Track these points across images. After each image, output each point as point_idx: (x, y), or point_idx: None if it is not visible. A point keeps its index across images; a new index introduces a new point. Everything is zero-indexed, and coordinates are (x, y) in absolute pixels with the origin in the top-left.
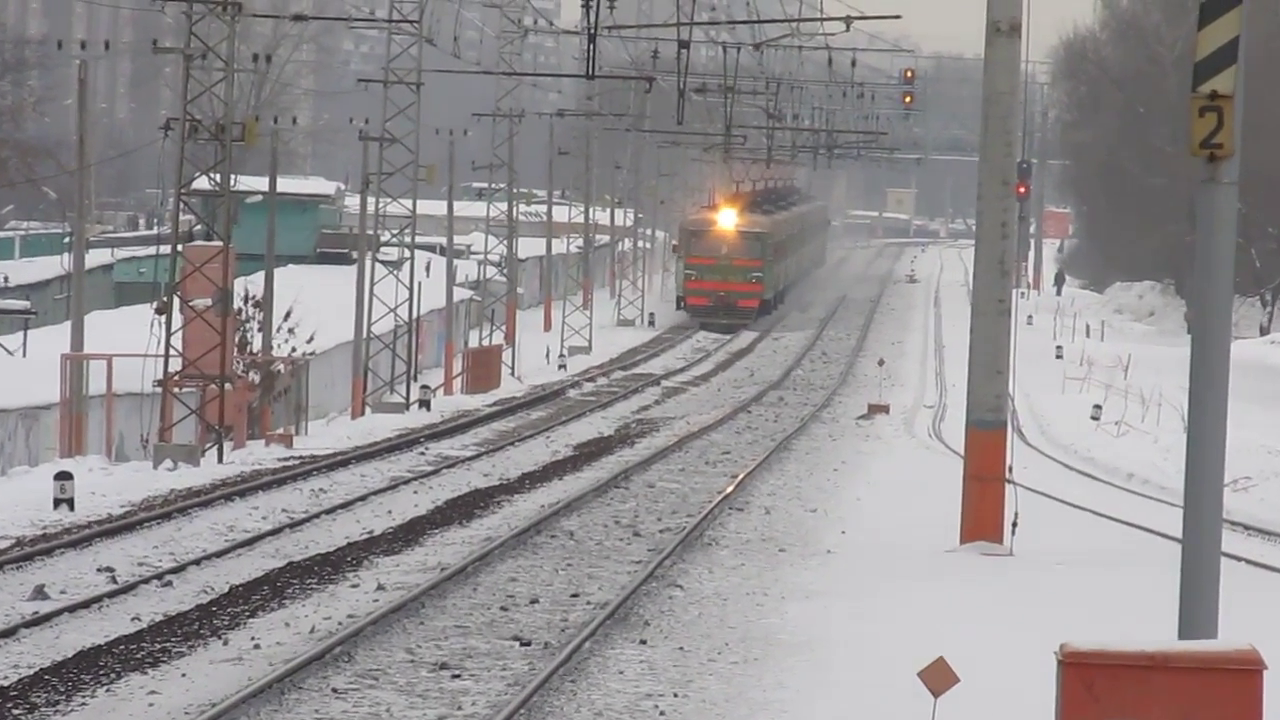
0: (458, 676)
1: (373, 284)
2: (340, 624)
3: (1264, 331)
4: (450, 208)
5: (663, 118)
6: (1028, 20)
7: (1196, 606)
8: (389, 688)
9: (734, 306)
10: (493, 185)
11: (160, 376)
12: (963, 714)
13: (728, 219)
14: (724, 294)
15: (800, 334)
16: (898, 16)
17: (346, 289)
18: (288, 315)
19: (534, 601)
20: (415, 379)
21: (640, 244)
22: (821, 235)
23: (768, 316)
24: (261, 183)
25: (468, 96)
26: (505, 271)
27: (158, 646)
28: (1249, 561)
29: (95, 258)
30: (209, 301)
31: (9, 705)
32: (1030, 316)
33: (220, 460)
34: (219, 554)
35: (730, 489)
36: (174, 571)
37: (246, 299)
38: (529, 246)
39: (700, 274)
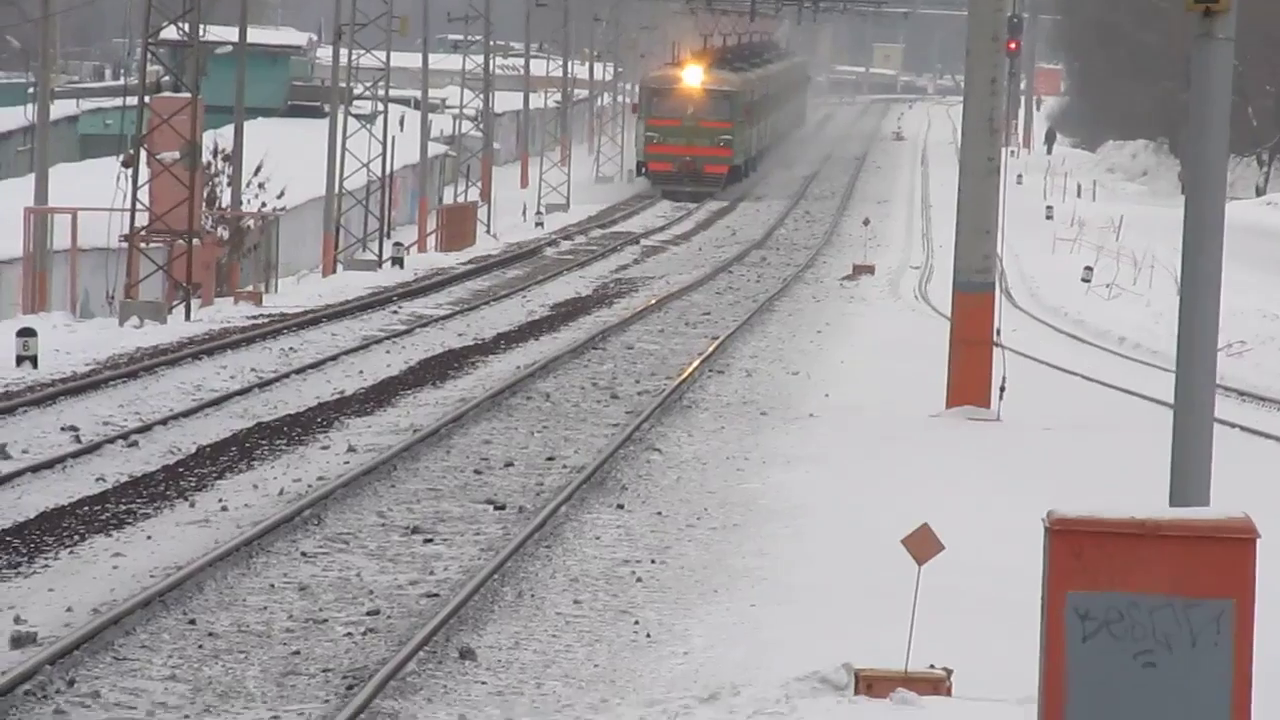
0: (430, 541)
1: (345, 138)
2: (310, 486)
3: (1260, 192)
4: (425, 60)
5: None
6: None
7: (1188, 473)
8: (359, 552)
9: (700, 173)
10: (469, 37)
11: (126, 231)
12: (947, 582)
13: (693, 76)
14: (689, 159)
15: (775, 203)
16: None
17: (318, 143)
18: (257, 170)
19: (508, 465)
20: (388, 236)
21: (620, 99)
22: (800, 95)
23: (738, 184)
24: (231, 33)
25: None
26: (481, 126)
27: (122, 508)
28: (1242, 428)
29: (60, 109)
30: (176, 155)
31: None
32: (1020, 176)
33: (187, 318)
34: (186, 414)
35: (710, 350)
36: (139, 431)
37: (215, 153)
38: (506, 101)
39: (662, 137)
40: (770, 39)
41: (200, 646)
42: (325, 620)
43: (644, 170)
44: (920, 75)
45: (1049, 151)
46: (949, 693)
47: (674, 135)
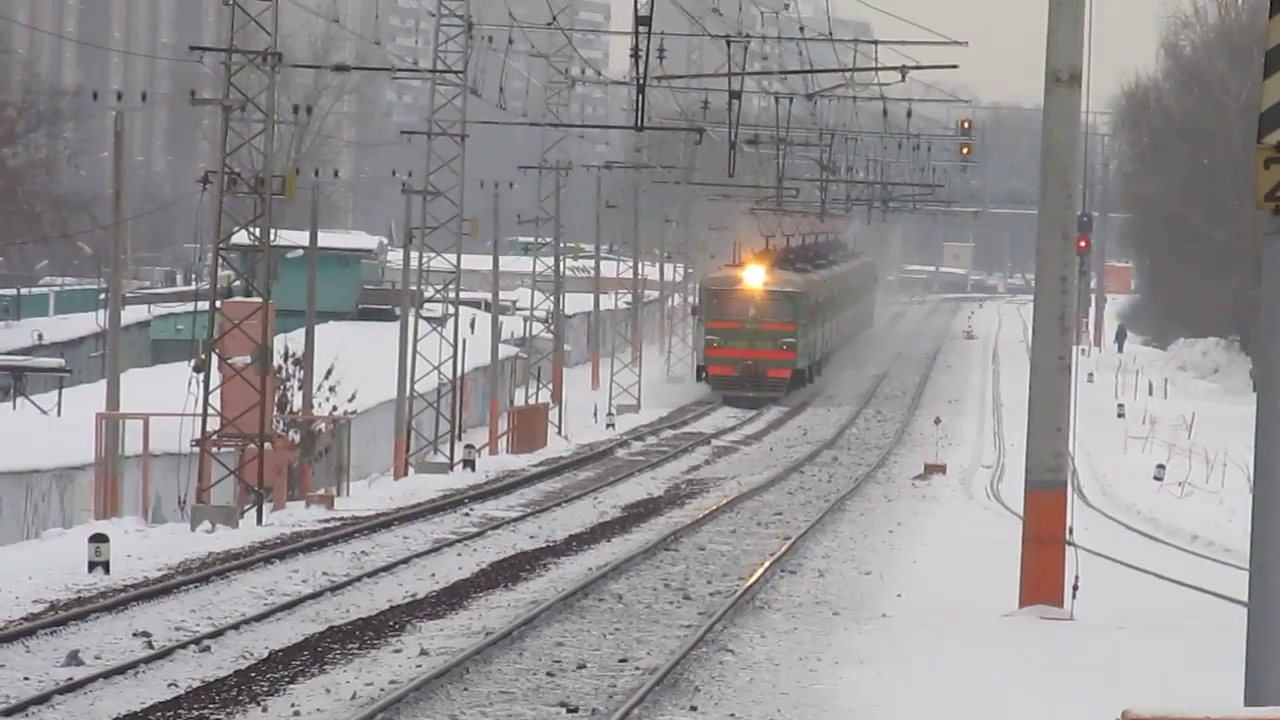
0: None
1: (416, 341)
2: (382, 690)
3: None
4: (495, 262)
5: (713, 169)
6: (1088, 69)
7: (1263, 671)
8: None
9: (762, 377)
10: (539, 239)
11: (198, 436)
12: None
13: (755, 277)
14: (751, 363)
15: (846, 402)
16: (954, 66)
17: (389, 346)
18: (329, 373)
19: (581, 667)
20: (459, 438)
21: (690, 299)
22: (868, 295)
23: (802, 388)
24: (302, 237)
25: (513, 148)
26: (552, 328)
27: (195, 714)
28: None
29: (131, 314)
30: (248, 359)
31: None
32: (1091, 374)
33: (259, 522)
34: (258, 618)
35: (783, 550)
36: (212, 636)
37: (286, 356)
38: (576, 302)
39: (723, 340)
40: (837, 239)
41: None
42: None
43: (704, 374)
44: (990, 273)
45: (1120, 349)
46: None
47: (735, 338)
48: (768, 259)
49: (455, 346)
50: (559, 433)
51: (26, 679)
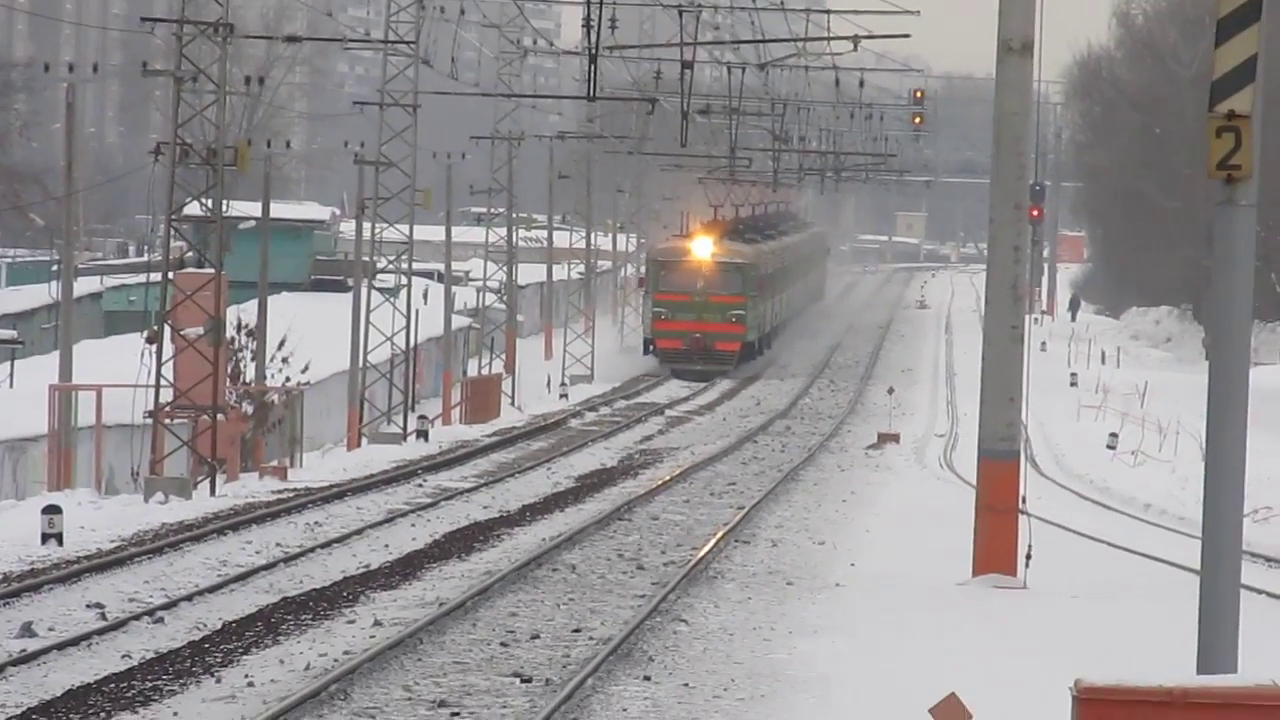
0: (457, 715)
1: (369, 312)
2: (336, 661)
3: None
4: (448, 233)
5: (666, 140)
6: (1040, 39)
7: (1216, 640)
8: None
9: (710, 350)
10: (492, 210)
11: (151, 407)
12: None
13: (703, 248)
14: (699, 335)
15: (799, 372)
16: (906, 35)
17: (342, 317)
18: (281, 344)
19: (535, 637)
20: (413, 409)
21: (642, 269)
22: (819, 267)
23: (751, 362)
24: (254, 208)
25: (466, 119)
26: (505, 298)
27: (149, 685)
28: (1269, 594)
29: (84, 286)
30: (201, 330)
31: None
32: (1044, 343)
33: (213, 493)
34: (211, 589)
35: (736, 520)
36: (165, 608)
37: (239, 327)
38: (529, 272)
39: (671, 312)
40: (788, 209)
41: None
42: None
43: (652, 348)
44: (943, 243)
45: (1073, 318)
46: None
47: (683, 310)
48: (716, 230)
49: (408, 317)
50: (512, 403)
51: None
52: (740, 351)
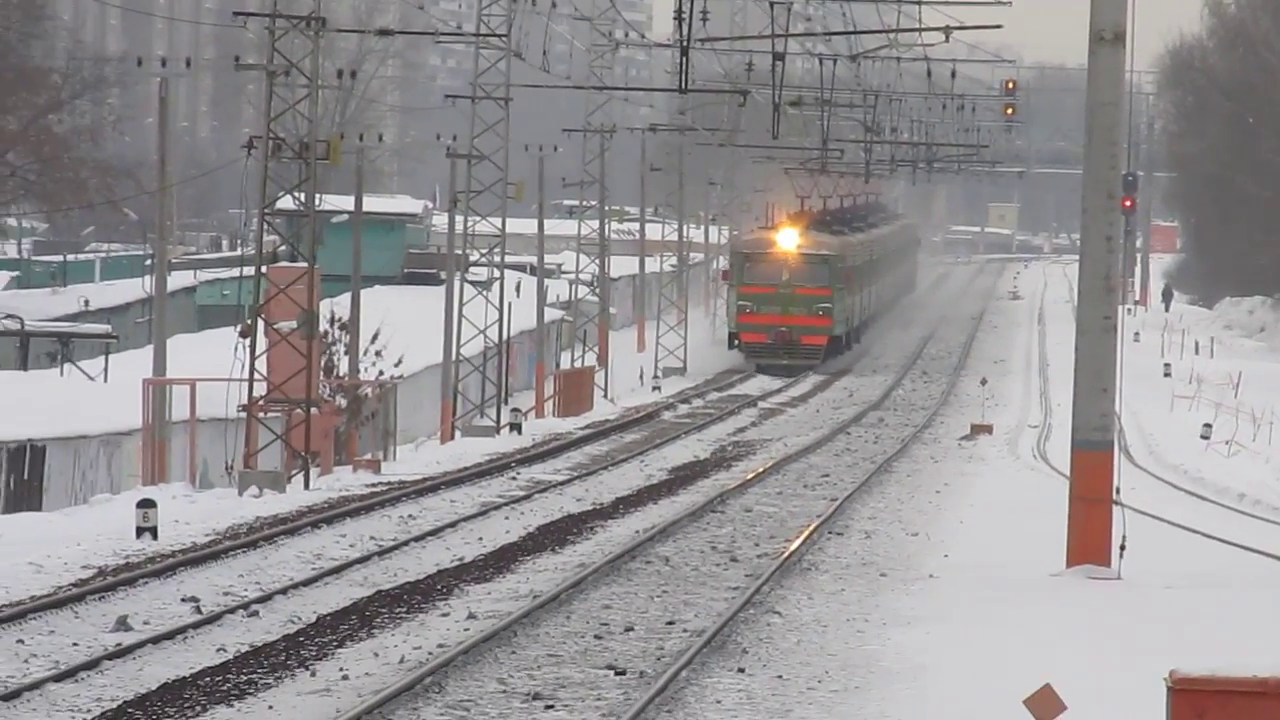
0: (551, 707)
1: (461, 305)
2: (430, 654)
3: None
4: (540, 226)
5: (757, 132)
6: (1132, 28)
7: None
8: (480, 718)
9: (796, 344)
10: (584, 202)
11: (244, 401)
12: None
13: (789, 240)
14: (784, 329)
15: (892, 364)
16: (998, 26)
17: (434, 310)
18: (374, 337)
19: (629, 629)
20: (506, 402)
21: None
22: (910, 259)
23: (839, 356)
24: (347, 202)
25: (557, 112)
26: (597, 291)
27: (243, 678)
28: None
29: (177, 280)
30: (294, 324)
31: None
32: (1137, 333)
33: (306, 487)
34: (306, 583)
35: (829, 512)
36: (260, 601)
37: (332, 321)
38: (621, 265)
39: (755, 306)
40: (877, 200)
41: None
42: None
43: (736, 342)
44: (1036, 234)
45: (1166, 309)
46: None
47: (768, 303)
48: (802, 221)
49: (500, 310)
50: (605, 396)
51: (75, 645)
52: (827, 346)
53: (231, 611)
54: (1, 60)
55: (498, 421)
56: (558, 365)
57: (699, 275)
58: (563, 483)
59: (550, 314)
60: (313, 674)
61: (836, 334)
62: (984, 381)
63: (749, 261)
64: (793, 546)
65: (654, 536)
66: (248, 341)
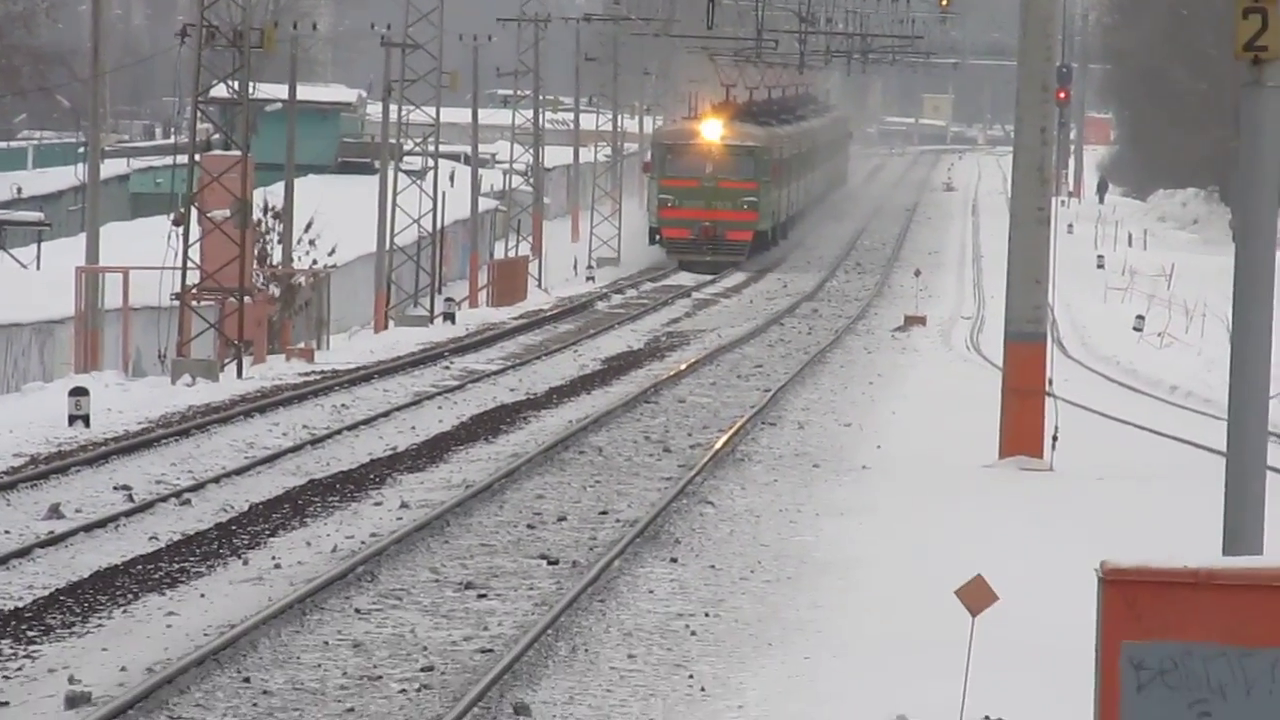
0: (484, 596)
1: (395, 194)
2: (363, 543)
3: None
4: (475, 115)
5: (692, 22)
6: None
7: (1242, 522)
8: (413, 608)
9: (721, 239)
10: (518, 92)
11: (178, 290)
12: (1002, 633)
13: (713, 130)
14: (708, 224)
15: (826, 255)
16: None
17: (368, 200)
18: (308, 227)
19: (562, 519)
20: (439, 292)
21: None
22: (841, 153)
23: (765, 253)
24: (281, 91)
25: (492, 1)
26: (531, 181)
27: (176, 566)
28: None
29: (110, 168)
30: (227, 213)
31: (24, 626)
32: (1070, 225)
33: (240, 376)
34: (238, 471)
35: (763, 403)
36: (192, 490)
37: (266, 210)
38: (555, 155)
39: (678, 199)
40: (807, 92)
41: (255, 705)
42: (380, 677)
43: (658, 237)
44: (970, 126)
45: (1101, 200)
46: None
47: (691, 197)
48: (727, 111)
49: (435, 200)
50: (539, 286)
51: (7, 532)
52: (752, 242)
53: (164, 500)
54: None
55: (431, 311)
56: (492, 255)
57: (633, 166)
58: (496, 372)
59: (484, 204)
60: (245, 563)
61: (762, 229)
62: (918, 273)
63: (671, 153)
64: (726, 437)
65: (587, 426)
66: (181, 230)
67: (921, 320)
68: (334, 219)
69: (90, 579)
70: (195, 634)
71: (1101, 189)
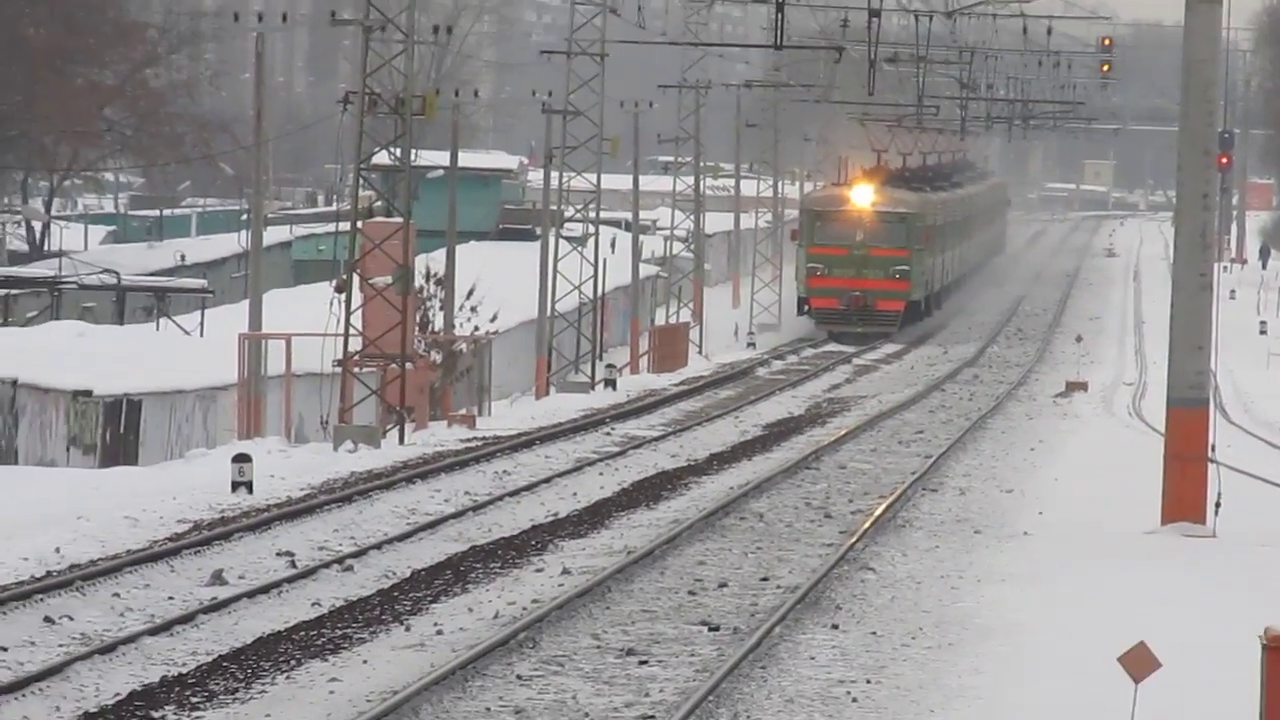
0: (645, 663)
1: (556, 260)
2: (525, 609)
3: None
4: (635, 182)
5: (853, 88)
6: None
7: None
8: (575, 674)
9: (871, 309)
10: (679, 159)
11: (340, 356)
12: (1164, 700)
13: (864, 196)
14: (859, 294)
15: (987, 320)
16: None
17: (529, 266)
18: (470, 293)
19: (723, 585)
20: (600, 358)
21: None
22: (999, 220)
23: (918, 323)
24: (442, 157)
25: (653, 68)
26: (692, 247)
27: (338, 632)
28: None
29: (273, 235)
30: (389, 279)
31: (188, 692)
32: (1233, 291)
33: (401, 442)
34: (400, 537)
35: (924, 469)
36: (354, 556)
37: (428, 276)
38: (716, 221)
39: (827, 268)
40: (964, 158)
41: None
42: None
43: (806, 308)
44: (1132, 191)
45: (1263, 266)
46: None
47: (841, 265)
48: (879, 177)
49: (596, 266)
50: (699, 352)
51: (171, 598)
52: (904, 312)
53: (326, 566)
54: (99, 15)
55: (592, 377)
56: (652, 321)
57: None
58: (657, 438)
59: (645, 270)
60: (407, 629)
61: (914, 299)
62: (1079, 339)
63: (820, 220)
64: (887, 503)
65: (748, 492)
66: (343, 296)
67: (1083, 386)
68: (495, 285)
69: (253, 645)
70: (358, 700)
71: (1264, 254)
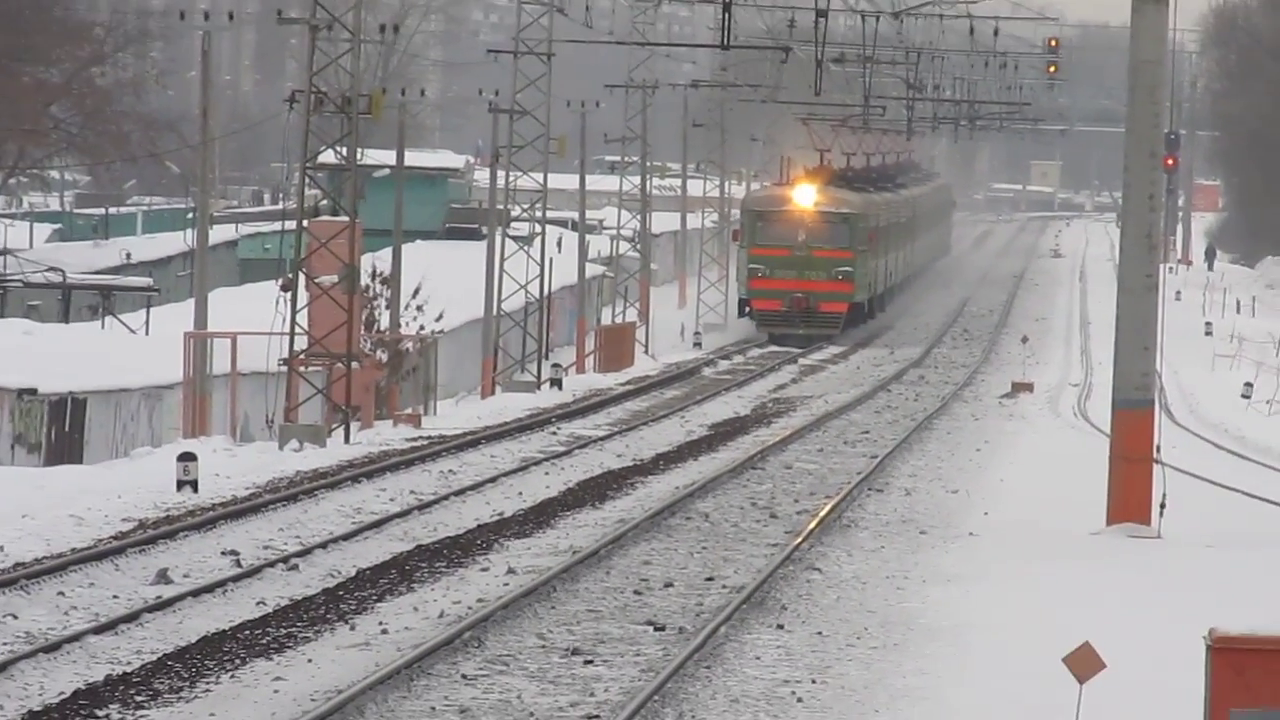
0: (590, 662)
1: (503, 260)
2: (470, 608)
3: None
4: (582, 181)
5: (800, 89)
6: None
7: None
8: (520, 674)
9: (814, 312)
10: (625, 158)
11: (286, 355)
12: (1109, 701)
13: (806, 196)
14: (800, 295)
15: (933, 321)
16: None
17: (476, 265)
18: (416, 292)
19: (668, 585)
20: (546, 357)
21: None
22: (944, 221)
23: (861, 326)
24: (389, 156)
25: (600, 67)
26: (639, 247)
27: (283, 631)
28: None
29: (219, 234)
30: (335, 278)
31: (133, 691)
32: (1179, 292)
33: (347, 441)
34: (345, 537)
35: (869, 469)
36: (300, 555)
37: (374, 275)
38: (663, 221)
39: (768, 269)
40: (909, 158)
41: None
42: None
43: (747, 309)
44: (1078, 191)
45: (1209, 268)
46: None
47: (783, 267)
48: (822, 177)
49: (542, 265)
50: (646, 352)
51: (116, 597)
52: (847, 314)
53: (271, 565)
54: (45, 13)
55: (538, 377)
56: (599, 321)
57: None
58: (603, 438)
59: (591, 269)
60: (352, 628)
61: (858, 301)
62: (1025, 340)
63: (761, 220)
64: (832, 503)
65: (694, 492)
66: (289, 295)
67: (1029, 387)
68: (441, 284)
69: (198, 644)
70: (303, 699)
71: (1210, 256)
